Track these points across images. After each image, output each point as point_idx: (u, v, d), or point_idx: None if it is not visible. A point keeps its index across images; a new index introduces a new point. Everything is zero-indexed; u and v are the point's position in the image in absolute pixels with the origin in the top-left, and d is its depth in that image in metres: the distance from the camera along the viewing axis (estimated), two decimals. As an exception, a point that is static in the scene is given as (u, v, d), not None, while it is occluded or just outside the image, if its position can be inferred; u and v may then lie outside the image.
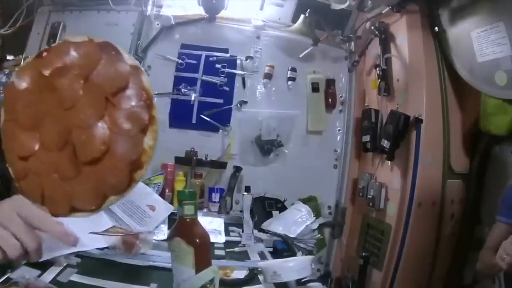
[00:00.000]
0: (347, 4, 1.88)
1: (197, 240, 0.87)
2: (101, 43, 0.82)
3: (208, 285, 0.86)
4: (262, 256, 1.50)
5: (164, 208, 1.61)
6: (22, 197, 0.73)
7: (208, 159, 2.14)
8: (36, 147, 0.75)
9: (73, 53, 0.79)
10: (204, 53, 2.16)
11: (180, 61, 2.15)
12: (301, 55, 2.16)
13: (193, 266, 0.86)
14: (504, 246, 1.16)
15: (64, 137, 0.75)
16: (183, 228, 0.88)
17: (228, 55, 2.18)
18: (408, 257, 1.74)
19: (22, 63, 0.86)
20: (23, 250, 0.69)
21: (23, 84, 0.79)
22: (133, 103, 0.76)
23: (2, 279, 0.98)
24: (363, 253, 1.89)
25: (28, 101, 0.78)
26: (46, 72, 0.77)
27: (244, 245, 1.59)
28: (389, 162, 1.86)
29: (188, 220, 0.88)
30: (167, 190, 1.96)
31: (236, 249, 1.54)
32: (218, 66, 2.16)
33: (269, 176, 2.18)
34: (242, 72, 2.18)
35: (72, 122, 0.75)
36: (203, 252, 0.88)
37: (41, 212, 0.74)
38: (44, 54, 0.80)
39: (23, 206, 0.71)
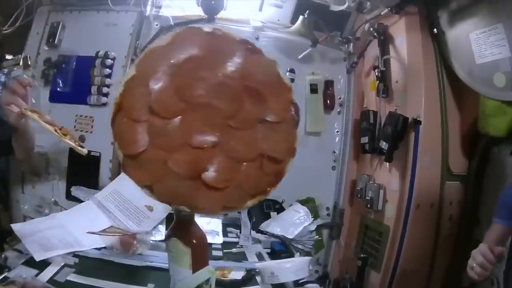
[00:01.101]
0: (346, 5, 1.88)
1: (194, 241, 0.87)
2: (290, 101, 0.84)
3: (204, 285, 0.86)
4: (260, 257, 1.50)
5: (162, 208, 1.61)
6: None
7: (207, 159, 2.13)
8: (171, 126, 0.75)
9: (270, 90, 0.80)
10: (203, 54, 2.16)
11: (179, 61, 2.14)
12: (299, 56, 2.15)
13: (190, 267, 0.86)
14: (473, 254, 1.15)
15: (202, 145, 0.75)
16: (180, 229, 0.88)
17: (227, 55, 2.18)
18: (406, 259, 1.74)
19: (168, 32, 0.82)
20: None
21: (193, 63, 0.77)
22: (269, 175, 0.79)
23: (0, 278, 0.98)
24: (361, 255, 1.89)
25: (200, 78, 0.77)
26: (231, 75, 0.77)
27: (241, 246, 1.59)
28: (388, 163, 1.86)
29: (185, 220, 0.88)
30: (165, 191, 1.95)
31: (234, 250, 1.54)
32: (217, 66, 2.16)
33: (267, 177, 2.17)
34: (241, 73, 2.18)
35: (222, 140, 0.76)
36: (200, 253, 0.88)
37: None
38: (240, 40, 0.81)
39: None
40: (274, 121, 0.79)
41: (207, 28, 0.80)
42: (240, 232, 1.65)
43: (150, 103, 0.73)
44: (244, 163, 0.76)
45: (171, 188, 0.74)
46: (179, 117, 0.75)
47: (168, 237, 0.90)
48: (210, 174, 0.74)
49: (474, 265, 1.14)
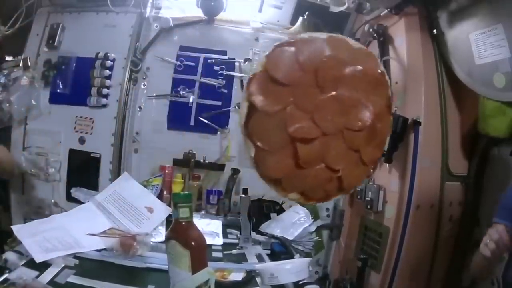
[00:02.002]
0: (345, 6, 1.89)
1: (193, 243, 0.87)
2: (378, 158, 1.00)
3: (203, 287, 0.86)
4: (260, 259, 1.50)
5: (162, 210, 1.61)
6: None
7: (206, 161, 2.14)
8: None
9: None
10: (202, 55, 2.16)
11: (178, 63, 2.15)
12: (299, 57, 2.15)
13: (189, 268, 0.86)
14: (489, 232, 1.16)
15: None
16: (178, 231, 0.89)
17: (226, 57, 2.18)
18: (406, 260, 1.74)
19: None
20: None
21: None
22: (326, 191, 0.89)
23: (0, 280, 0.98)
24: (361, 255, 1.88)
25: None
26: (374, 107, 0.90)
27: (241, 247, 1.59)
28: (387, 164, 1.86)
29: (183, 223, 0.88)
30: (165, 192, 1.96)
31: (234, 251, 1.54)
32: (216, 68, 2.16)
33: (267, 178, 2.17)
34: (241, 74, 2.18)
35: (330, 135, 0.84)
36: (199, 255, 0.88)
37: None
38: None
39: None
40: (363, 160, 0.88)
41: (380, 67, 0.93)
42: (240, 234, 1.65)
43: (319, 66, 0.82)
44: (323, 165, 0.84)
45: (268, 127, 0.83)
46: (324, 94, 0.83)
47: (167, 239, 0.90)
48: (305, 148, 0.81)
49: (488, 241, 1.15)
